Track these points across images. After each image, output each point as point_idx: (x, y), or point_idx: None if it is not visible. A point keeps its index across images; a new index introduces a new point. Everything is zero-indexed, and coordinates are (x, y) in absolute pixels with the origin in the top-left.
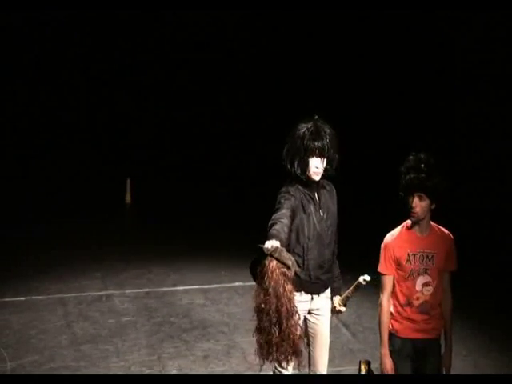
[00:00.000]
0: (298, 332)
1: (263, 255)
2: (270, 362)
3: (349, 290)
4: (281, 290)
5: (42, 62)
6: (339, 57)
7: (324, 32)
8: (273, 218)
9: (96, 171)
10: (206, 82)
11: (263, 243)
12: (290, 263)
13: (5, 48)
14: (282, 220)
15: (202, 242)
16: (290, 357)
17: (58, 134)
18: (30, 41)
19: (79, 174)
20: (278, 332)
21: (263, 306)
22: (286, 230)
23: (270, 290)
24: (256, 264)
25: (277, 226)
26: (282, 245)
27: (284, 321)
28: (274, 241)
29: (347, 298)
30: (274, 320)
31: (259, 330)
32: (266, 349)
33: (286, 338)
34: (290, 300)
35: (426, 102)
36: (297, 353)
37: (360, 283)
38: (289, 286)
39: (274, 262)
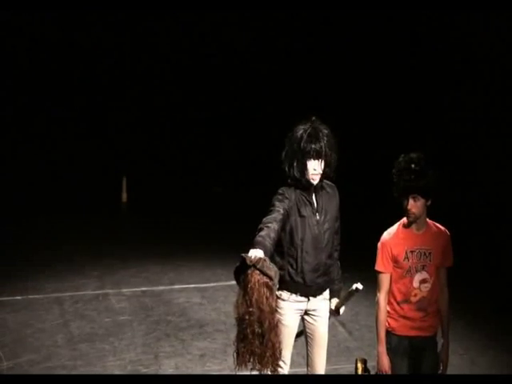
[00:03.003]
0: (279, 343)
1: (246, 265)
2: (250, 370)
3: (343, 296)
4: (264, 301)
5: (39, 58)
6: (338, 56)
7: (322, 31)
8: (263, 221)
9: (92, 170)
10: (203, 80)
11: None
12: (272, 274)
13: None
14: (269, 225)
15: (199, 241)
16: (269, 366)
17: (55, 132)
18: (28, 37)
19: (75, 173)
20: (259, 342)
21: (246, 317)
22: (272, 235)
23: (253, 301)
24: (239, 272)
25: (263, 233)
26: (265, 253)
27: (266, 332)
28: (257, 250)
29: (341, 303)
30: (257, 331)
31: (241, 339)
32: (247, 357)
33: (267, 348)
34: (272, 311)
35: (424, 100)
36: (276, 362)
37: (353, 291)
38: (271, 297)
39: (257, 273)
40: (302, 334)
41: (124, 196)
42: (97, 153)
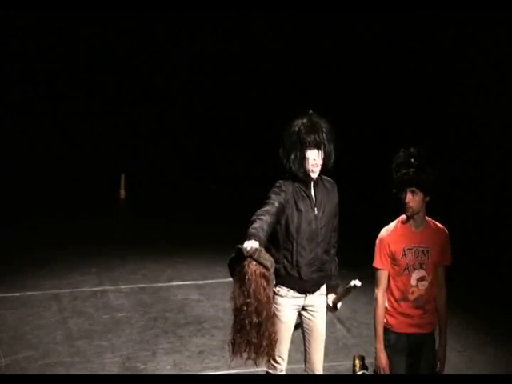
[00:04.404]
0: (275, 333)
1: (242, 256)
2: (246, 359)
3: (340, 292)
4: (261, 291)
5: (39, 53)
6: (336, 55)
7: (319, 30)
8: (256, 213)
9: (90, 167)
10: (200, 79)
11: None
12: (268, 264)
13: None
14: (262, 217)
15: (197, 238)
16: (265, 355)
17: (52, 130)
18: (29, 34)
19: (73, 170)
20: (256, 332)
21: (244, 307)
22: (265, 227)
23: (251, 291)
24: (234, 263)
25: (256, 224)
26: (260, 244)
27: (264, 322)
28: (252, 241)
29: (338, 299)
30: (254, 321)
31: (238, 329)
32: (243, 347)
33: (263, 338)
34: (269, 302)
35: (422, 97)
36: (272, 352)
37: (351, 287)
38: (268, 288)
39: (253, 264)
40: (299, 327)
41: (122, 193)
42: (95, 150)
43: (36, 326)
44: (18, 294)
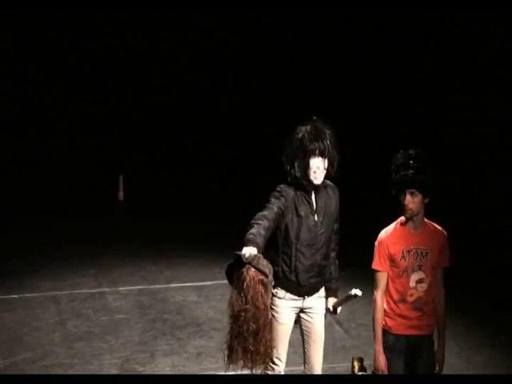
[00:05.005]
0: (271, 341)
1: (241, 262)
2: (242, 367)
3: (340, 298)
4: (259, 298)
5: (36, 56)
6: (337, 56)
7: (321, 31)
8: (254, 217)
9: (88, 168)
10: (200, 78)
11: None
12: (267, 271)
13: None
14: (260, 222)
15: (196, 239)
16: (262, 363)
17: (51, 130)
18: (26, 34)
19: (72, 171)
20: (253, 339)
21: (242, 314)
22: (263, 232)
23: (249, 298)
24: (232, 270)
25: (254, 230)
26: (258, 250)
27: (261, 329)
28: (251, 248)
29: (338, 304)
30: (251, 328)
31: (236, 336)
32: (240, 355)
33: (260, 345)
34: (267, 308)
35: (421, 97)
36: (270, 359)
37: (351, 296)
38: (266, 295)
39: (252, 270)
40: (297, 322)
41: (120, 194)
42: (93, 151)
43: (34, 328)
44: (16, 296)
